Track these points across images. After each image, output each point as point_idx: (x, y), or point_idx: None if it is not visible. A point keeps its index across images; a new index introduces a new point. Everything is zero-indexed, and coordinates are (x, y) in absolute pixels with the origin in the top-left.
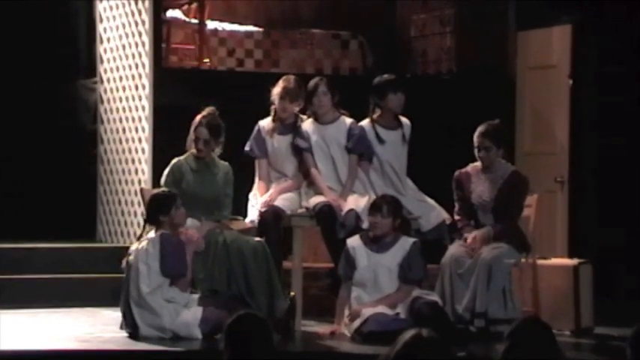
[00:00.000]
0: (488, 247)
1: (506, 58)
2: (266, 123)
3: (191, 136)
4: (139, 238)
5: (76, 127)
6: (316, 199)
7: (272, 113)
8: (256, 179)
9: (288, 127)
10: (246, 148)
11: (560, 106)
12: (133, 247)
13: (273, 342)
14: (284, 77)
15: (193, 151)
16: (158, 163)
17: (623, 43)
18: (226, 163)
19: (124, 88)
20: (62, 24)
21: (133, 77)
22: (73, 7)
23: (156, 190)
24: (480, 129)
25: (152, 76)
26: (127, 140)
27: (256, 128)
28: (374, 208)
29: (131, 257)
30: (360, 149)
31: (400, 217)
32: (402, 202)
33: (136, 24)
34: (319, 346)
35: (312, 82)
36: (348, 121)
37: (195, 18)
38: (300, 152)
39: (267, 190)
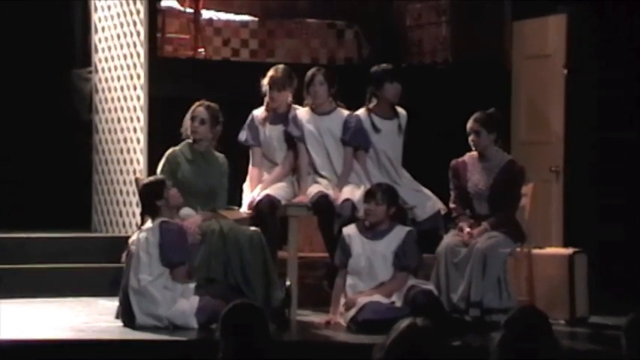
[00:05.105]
0: (483, 237)
1: (501, 47)
2: (259, 112)
3: (187, 121)
4: (138, 229)
5: (71, 117)
6: (312, 189)
7: (264, 103)
8: (250, 167)
9: (280, 116)
10: (240, 137)
11: (555, 95)
12: (134, 237)
13: (269, 331)
14: (273, 67)
15: (189, 140)
16: (153, 153)
17: (619, 32)
18: (222, 155)
19: (118, 78)
20: (57, 13)
21: (128, 67)
22: None
23: (144, 181)
24: (473, 115)
25: (147, 66)
26: (122, 130)
27: (250, 117)
28: (368, 195)
29: (132, 247)
30: (355, 142)
31: (395, 206)
32: (397, 191)
33: (131, 13)
34: (315, 335)
35: (309, 72)
36: (345, 113)
37: (190, 7)
38: (293, 140)
39: (260, 177)
